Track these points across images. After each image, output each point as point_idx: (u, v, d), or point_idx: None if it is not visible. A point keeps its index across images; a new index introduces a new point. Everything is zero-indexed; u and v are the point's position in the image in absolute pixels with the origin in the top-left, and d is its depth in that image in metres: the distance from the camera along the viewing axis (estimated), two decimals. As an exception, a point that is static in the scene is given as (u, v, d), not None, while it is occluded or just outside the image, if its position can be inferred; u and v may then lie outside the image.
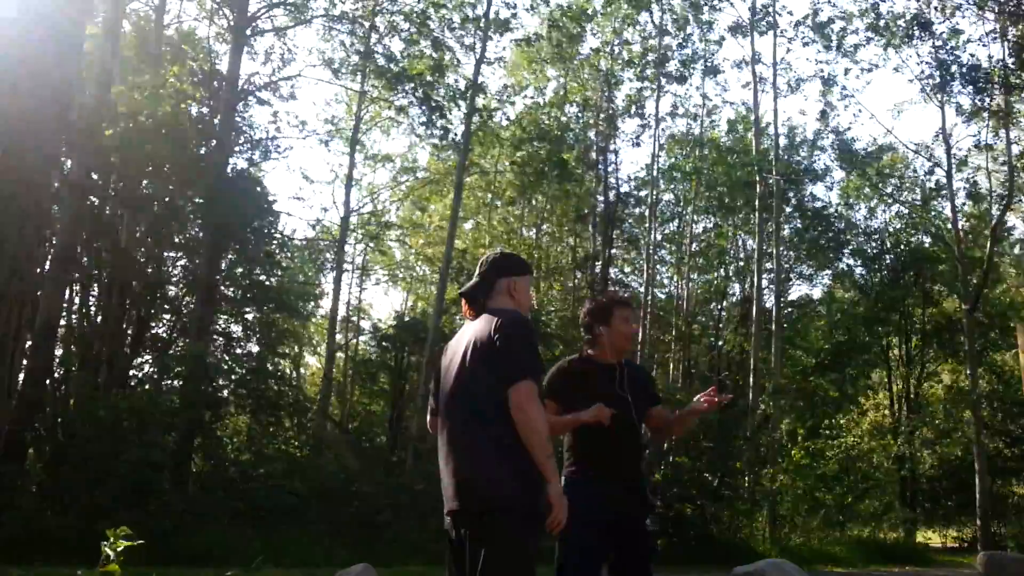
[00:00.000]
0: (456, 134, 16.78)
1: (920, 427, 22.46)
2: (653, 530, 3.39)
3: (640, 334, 19.33)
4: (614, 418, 3.20)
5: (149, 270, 15.57)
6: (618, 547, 3.28)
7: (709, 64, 20.33)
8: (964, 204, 20.81)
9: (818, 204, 23.32)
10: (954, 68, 17.78)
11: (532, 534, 2.60)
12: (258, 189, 16.02)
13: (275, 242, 16.68)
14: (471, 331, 2.81)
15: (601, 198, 21.25)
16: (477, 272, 3.00)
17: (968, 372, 18.91)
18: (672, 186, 23.38)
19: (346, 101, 20.65)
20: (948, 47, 17.89)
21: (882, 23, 18.36)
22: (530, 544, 2.59)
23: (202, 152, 15.00)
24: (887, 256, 22.45)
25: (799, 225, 23.42)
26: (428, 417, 3.03)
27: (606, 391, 3.32)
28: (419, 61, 16.44)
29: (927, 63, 18.28)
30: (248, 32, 14.65)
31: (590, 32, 19.79)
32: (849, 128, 20.92)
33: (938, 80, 18.27)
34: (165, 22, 15.60)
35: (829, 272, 24.29)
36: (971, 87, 17.37)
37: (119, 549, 3.30)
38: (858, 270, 23.50)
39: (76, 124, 11.95)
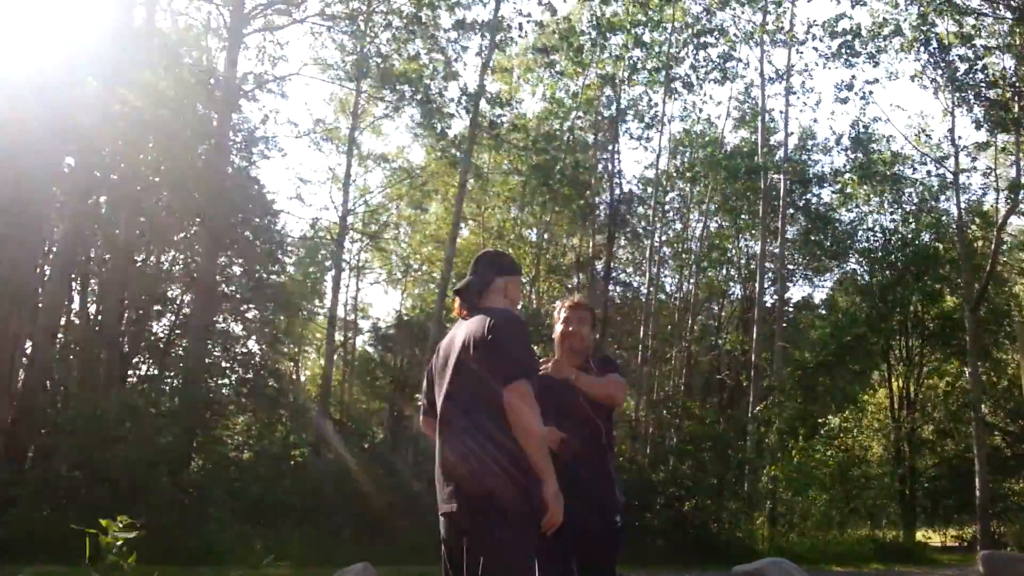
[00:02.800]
0: (456, 136, 16.72)
1: (920, 426, 22.46)
2: (620, 527, 3.43)
3: (642, 332, 19.36)
4: (570, 424, 3.26)
5: (148, 269, 15.60)
6: (578, 553, 3.31)
7: (721, 72, 19.94)
8: (970, 204, 20.81)
9: (823, 207, 23.29)
10: (963, 73, 17.66)
11: (529, 534, 2.59)
12: (256, 188, 16.03)
13: (274, 241, 16.70)
14: (464, 330, 2.79)
15: (605, 197, 21.22)
16: (471, 270, 2.97)
17: (969, 371, 18.90)
18: (677, 186, 23.37)
19: (340, 99, 20.62)
20: (959, 55, 17.71)
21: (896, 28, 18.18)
22: (527, 545, 2.58)
23: (200, 150, 15.01)
24: (893, 255, 22.41)
25: (803, 227, 23.45)
26: (420, 417, 3.03)
27: (567, 399, 3.39)
28: (415, 63, 16.37)
29: (940, 74, 18.13)
30: (245, 31, 14.63)
31: (597, 37, 19.57)
32: (870, 136, 20.42)
33: (947, 87, 18.15)
34: (156, 19, 15.58)
35: (831, 275, 24.31)
36: (983, 104, 17.24)
37: (119, 543, 3.28)
38: (862, 269, 23.52)
39: (78, 124, 11.98)
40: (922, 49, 18.03)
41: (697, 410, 19.04)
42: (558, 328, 3.61)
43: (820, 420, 18.66)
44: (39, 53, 11.31)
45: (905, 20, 18.13)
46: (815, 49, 19.25)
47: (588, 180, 20.06)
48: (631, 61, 19.40)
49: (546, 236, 22.14)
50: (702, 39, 19.19)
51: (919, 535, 21.44)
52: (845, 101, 19.40)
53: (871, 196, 22.86)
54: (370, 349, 25.23)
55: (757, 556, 10.78)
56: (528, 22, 16.91)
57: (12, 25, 11.64)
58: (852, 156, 20.91)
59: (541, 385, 3.40)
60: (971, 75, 17.53)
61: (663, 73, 19.18)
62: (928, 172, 21.37)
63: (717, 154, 20.93)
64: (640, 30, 18.93)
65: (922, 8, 17.48)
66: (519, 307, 2.99)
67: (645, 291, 21.16)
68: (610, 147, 20.79)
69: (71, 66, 11.70)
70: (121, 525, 3.17)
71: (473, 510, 2.58)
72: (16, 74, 11.10)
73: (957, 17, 17.39)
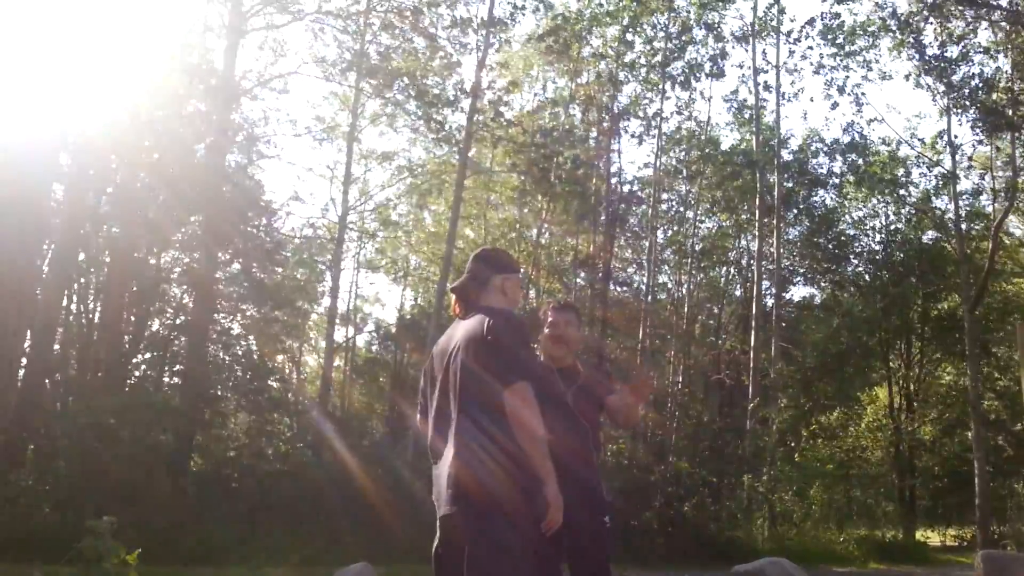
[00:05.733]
0: (454, 130, 16.68)
1: (920, 426, 22.47)
2: (609, 527, 3.47)
3: (641, 331, 19.33)
4: (565, 422, 3.33)
5: (147, 269, 15.58)
6: (572, 547, 3.33)
7: (715, 68, 19.87)
8: (969, 203, 20.79)
9: (824, 208, 23.32)
10: (958, 79, 17.65)
11: (530, 537, 2.58)
12: (255, 186, 16.01)
13: (274, 240, 16.68)
14: (462, 330, 2.77)
15: (604, 196, 21.19)
16: (468, 268, 2.94)
17: (969, 371, 18.89)
18: (675, 186, 23.38)
19: (339, 97, 20.53)
20: (951, 55, 17.66)
21: (891, 23, 18.19)
22: (529, 547, 2.57)
23: (199, 149, 14.99)
24: (897, 255, 22.41)
25: (806, 228, 23.48)
26: (418, 416, 3.01)
27: (563, 397, 3.45)
28: (412, 59, 16.34)
29: (933, 77, 18.07)
30: (244, 29, 14.59)
31: (594, 35, 19.56)
32: (865, 140, 20.33)
33: (943, 90, 18.15)
34: (155, 16, 15.57)
35: (833, 276, 24.29)
36: (978, 109, 17.22)
37: (117, 552, 3.28)
38: (863, 270, 23.56)
39: (76, 123, 11.98)
40: (913, 50, 18.06)
41: (696, 409, 19.04)
42: (545, 330, 3.68)
43: (820, 420, 18.68)
44: (38, 53, 11.32)
45: (891, 19, 18.19)
46: (810, 48, 19.23)
47: (586, 178, 20.03)
48: (625, 57, 19.42)
49: (545, 235, 22.11)
50: (691, 35, 19.20)
51: (918, 535, 21.45)
52: (835, 106, 19.39)
53: (869, 198, 22.89)
54: (371, 348, 25.26)
55: (757, 556, 10.78)
56: (522, 14, 16.96)
57: (10, 25, 11.64)
58: (848, 159, 20.87)
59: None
60: (966, 79, 17.54)
61: (658, 71, 19.19)
62: (922, 174, 21.43)
63: (714, 152, 20.96)
64: (626, 21, 19.00)
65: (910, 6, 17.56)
66: (518, 306, 2.97)
67: (644, 290, 21.16)
68: (609, 143, 20.75)
69: (70, 65, 11.71)
70: (109, 524, 3.18)
71: (475, 513, 2.55)
72: (15, 74, 11.12)
73: (943, 23, 17.42)
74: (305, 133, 19.92)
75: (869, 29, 18.50)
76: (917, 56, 17.76)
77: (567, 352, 3.64)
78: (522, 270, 3.24)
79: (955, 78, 17.59)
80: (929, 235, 22.76)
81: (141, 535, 3.71)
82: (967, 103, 17.49)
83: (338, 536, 10.91)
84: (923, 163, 20.78)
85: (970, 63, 17.55)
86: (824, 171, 22.70)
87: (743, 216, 22.50)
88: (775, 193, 19.70)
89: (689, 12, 19.38)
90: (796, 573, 8.52)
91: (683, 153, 22.45)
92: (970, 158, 20.27)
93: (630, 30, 19.19)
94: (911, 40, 17.64)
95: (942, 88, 18.19)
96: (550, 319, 3.69)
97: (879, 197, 22.62)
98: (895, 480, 21.39)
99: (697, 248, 22.36)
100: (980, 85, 17.34)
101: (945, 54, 17.55)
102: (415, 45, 16.35)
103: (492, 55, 17.59)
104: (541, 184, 19.19)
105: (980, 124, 17.28)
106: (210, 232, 13.60)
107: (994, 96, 17.15)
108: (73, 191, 12.61)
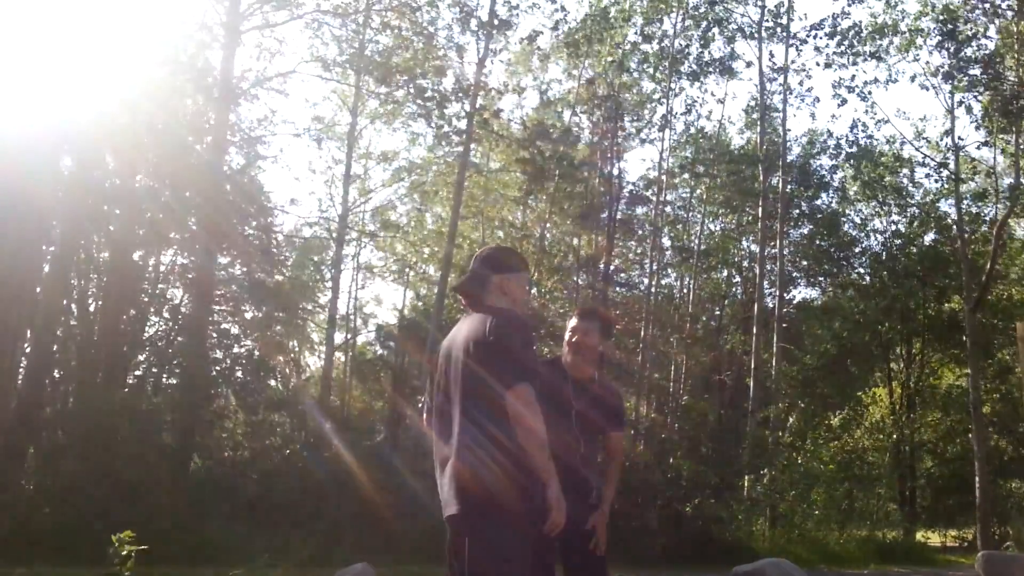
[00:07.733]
0: (455, 127, 16.63)
1: (921, 426, 22.46)
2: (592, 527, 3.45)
3: (643, 332, 19.32)
4: (567, 424, 3.33)
5: (147, 269, 15.58)
6: (567, 547, 3.33)
7: (723, 67, 19.77)
8: (969, 206, 20.75)
9: (828, 210, 23.32)
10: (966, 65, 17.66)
11: (528, 536, 2.58)
12: (254, 186, 16.00)
13: (273, 240, 16.68)
14: (465, 330, 2.77)
15: (606, 196, 21.17)
16: (470, 268, 2.95)
17: (969, 372, 18.87)
18: (679, 186, 23.37)
19: (339, 96, 20.49)
20: (963, 47, 17.64)
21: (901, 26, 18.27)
22: (525, 547, 2.57)
23: (198, 150, 14.98)
24: (900, 259, 22.40)
25: (808, 230, 23.48)
26: (424, 415, 3.01)
27: (566, 399, 3.40)
28: (410, 56, 16.33)
29: (940, 66, 18.08)
30: (241, 28, 14.56)
31: (604, 30, 19.51)
32: (871, 140, 20.29)
33: (949, 85, 18.18)
34: (152, 15, 15.50)
35: (834, 278, 24.26)
36: (983, 87, 17.23)
37: (123, 553, 3.33)
38: (865, 271, 23.56)
39: (76, 123, 11.98)
40: (924, 41, 18.11)
41: (698, 410, 19.03)
42: (567, 335, 3.59)
43: (823, 421, 18.67)
44: (38, 54, 11.33)
45: (903, 19, 18.22)
46: (817, 49, 19.12)
47: (589, 178, 20.01)
48: (632, 51, 19.40)
49: (548, 235, 22.08)
50: (708, 32, 19.12)
51: (919, 536, 21.44)
52: (844, 103, 19.31)
53: (872, 198, 22.87)
54: (372, 348, 25.26)
55: (757, 556, 10.76)
56: (516, 15, 16.97)
57: (9, 26, 11.65)
58: (853, 156, 20.83)
59: (554, 371, 3.46)
60: (975, 64, 17.57)
61: (666, 64, 19.17)
62: (927, 175, 21.39)
63: (722, 156, 20.94)
64: (638, 20, 19.00)
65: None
66: (522, 306, 2.96)
67: (646, 291, 21.14)
68: (613, 144, 20.72)
69: (69, 66, 11.71)
70: (127, 541, 3.26)
71: (474, 512, 2.56)
72: (15, 75, 11.13)
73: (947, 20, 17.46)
74: (304, 133, 19.92)
75: (883, 28, 18.51)
76: (937, 32, 17.74)
77: (582, 361, 3.52)
78: (528, 270, 3.12)
79: (966, 61, 17.62)
80: (931, 236, 22.74)
81: (141, 535, 3.72)
82: (980, 88, 17.50)
83: (338, 536, 10.90)
84: (928, 163, 20.75)
85: (983, 48, 17.62)
86: (828, 172, 22.70)
87: (747, 217, 22.47)
88: (779, 194, 19.68)
89: (702, 11, 19.36)
90: (797, 574, 8.50)
91: (690, 153, 22.44)
92: (973, 159, 20.28)
93: (648, 26, 19.16)
94: (928, 15, 17.73)
95: (949, 88, 18.23)
96: (571, 324, 3.59)
97: (881, 199, 22.60)
98: (896, 481, 21.38)
99: (700, 248, 22.33)
100: (990, 74, 17.39)
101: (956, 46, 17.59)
102: (414, 45, 16.32)
103: (493, 54, 17.60)
104: (540, 183, 19.16)
105: (992, 109, 17.27)
106: (209, 232, 13.58)
107: (1000, 85, 17.21)
108: (73, 192, 12.61)
